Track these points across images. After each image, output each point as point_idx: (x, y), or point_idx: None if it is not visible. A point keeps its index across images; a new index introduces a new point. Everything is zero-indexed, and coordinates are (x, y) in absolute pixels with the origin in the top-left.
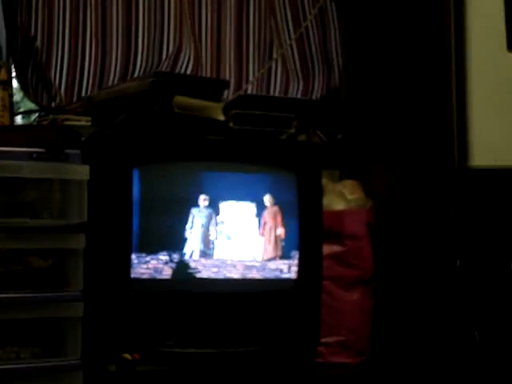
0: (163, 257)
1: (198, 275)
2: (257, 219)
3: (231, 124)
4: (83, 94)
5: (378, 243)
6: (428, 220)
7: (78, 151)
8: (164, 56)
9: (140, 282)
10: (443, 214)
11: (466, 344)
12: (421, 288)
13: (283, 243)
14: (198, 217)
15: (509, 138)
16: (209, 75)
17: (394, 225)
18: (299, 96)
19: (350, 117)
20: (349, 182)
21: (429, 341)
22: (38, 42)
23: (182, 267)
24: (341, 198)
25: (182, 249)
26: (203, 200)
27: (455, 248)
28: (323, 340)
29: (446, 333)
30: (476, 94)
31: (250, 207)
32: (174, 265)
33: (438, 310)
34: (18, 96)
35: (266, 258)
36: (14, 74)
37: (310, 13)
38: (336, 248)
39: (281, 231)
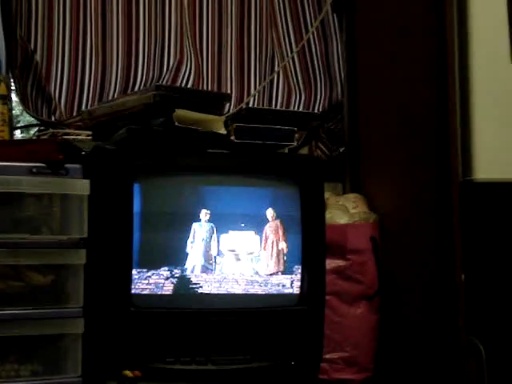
0: (164, 272)
1: (200, 290)
2: (258, 233)
3: (233, 137)
4: (83, 107)
5: (382, 257)
6: (432, 234)
7: (78, 166)
8: (165, 69)
9: (141, 297)
10: (448, 228)
11: (472, 360)
12: (425, 303)
13: (285, 258)
14: (199, 231)
15: None
16: (210, 88)
17: (397, 239)
18: (301, 109)
19: (352, 130)
20: (352, 196)
21: (434, 357)
22: (38, 56)
23: (183, 282)
24: (344, 211)
25: (184, 264)
26: (204, 214)
27: (460, 262)
28: (327, 356)
29: (451, 349)
30: (480, 107)
31: (251, 221)
32: (175, 280)
33: (444, 325)
34: (17, 110)
35: (268, 272)
36: (13, 88)
37: (312, 25)
38: (339, 262)
39: (283, 245)
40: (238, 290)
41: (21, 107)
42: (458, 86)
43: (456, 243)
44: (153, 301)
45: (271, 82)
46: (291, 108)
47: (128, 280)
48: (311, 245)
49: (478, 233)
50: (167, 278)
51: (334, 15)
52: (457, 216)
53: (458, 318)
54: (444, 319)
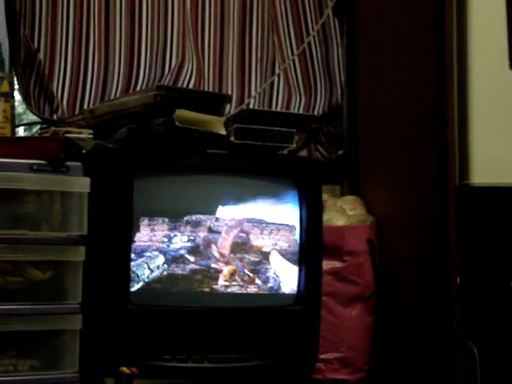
0: None
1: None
2: None
3: (232, 138)
4: (85, 106)
5: (379, 260)
6: (429, 237)
7: (79, 163)
8: (166, 69)
9: (139, 295)
10: (444, 232)
11: (466, 363)
12: (421, 305)
13: None
14: None
15: (510, 156)
16: (211, 89)
17: (394, 241)
18: (301, 111)
19: (351, 133)
20: (350, 198)
21: (428, 359)
22: (41, 54)
23: None
24: (341, 213)
25: None
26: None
27: (455, 265)
28: (322, 356)
29: (446, 351)
30: (478, 112)
31: None
32: None
33: (438, 327)
34: (20, 108)
35: None
36: (16, 87)
37: (313, 29)
38: (336, 264)
39: None
40: (234, 289)
41: (24, 106)
42: (456, 90)
43: (452, 246)
44: (150, 298)
45: (272, 84)
46: (291, 110)
47: (126, 277)
48: (308, 246)
49: (474, 236)
50: None
51: (335, 19)
52: (453, 220)
53: (452, 320)
54: (439, 322)
